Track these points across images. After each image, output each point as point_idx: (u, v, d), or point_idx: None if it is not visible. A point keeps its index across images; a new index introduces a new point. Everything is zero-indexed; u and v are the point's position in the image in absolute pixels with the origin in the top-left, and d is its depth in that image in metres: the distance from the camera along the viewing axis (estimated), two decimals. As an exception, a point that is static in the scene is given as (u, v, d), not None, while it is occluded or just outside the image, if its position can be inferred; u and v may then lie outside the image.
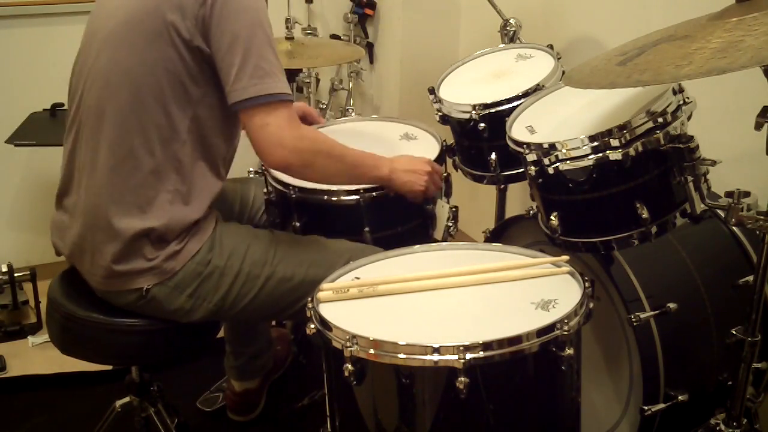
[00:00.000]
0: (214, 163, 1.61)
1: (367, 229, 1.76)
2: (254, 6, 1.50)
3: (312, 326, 1.33)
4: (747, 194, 1.35)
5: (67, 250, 1.66)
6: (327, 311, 1.34)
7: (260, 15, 1.51)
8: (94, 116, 1.56)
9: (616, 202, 1.49)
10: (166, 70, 1.50)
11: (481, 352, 1.19)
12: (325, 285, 1.43)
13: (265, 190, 1.89)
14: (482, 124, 1.88)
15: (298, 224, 1.79)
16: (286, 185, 1.78)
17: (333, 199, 1.75)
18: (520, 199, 2.44)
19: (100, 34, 1.57)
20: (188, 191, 1.57)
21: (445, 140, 1.94)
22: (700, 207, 1.48)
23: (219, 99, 1.54)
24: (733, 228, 1.71)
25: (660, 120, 1.43)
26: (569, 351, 1.23)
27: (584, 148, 1.47)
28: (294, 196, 1.76)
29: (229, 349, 2.17)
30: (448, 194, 1.91)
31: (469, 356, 1.18)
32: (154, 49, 1.49)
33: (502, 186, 2.26)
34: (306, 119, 2.02)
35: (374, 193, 1.74)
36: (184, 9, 1.48)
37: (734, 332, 1.43)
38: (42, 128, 2.69)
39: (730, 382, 1.48)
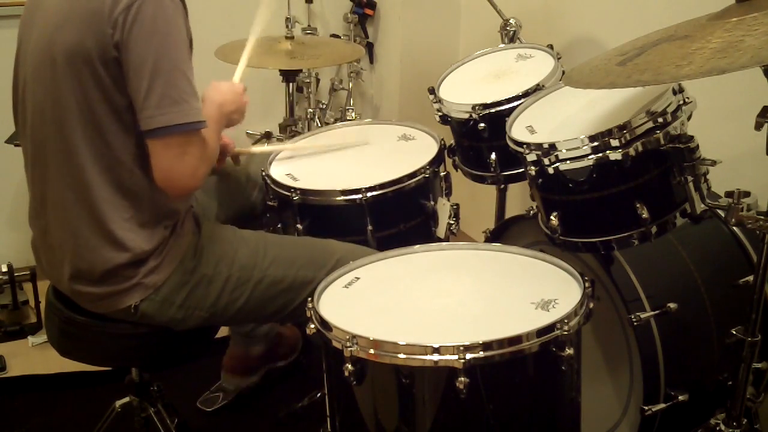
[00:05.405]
0: None
1: (370, 228, 1.76)
2: (164, 30, 1.41)
3: (312, 326, 1.33)
4: (747, 194, 1.35)
5: (46, 274, 1.65)
6: (327, 311, 1.34)
7: (170, 39, 1.42)
8: (38, 150, 1.54)
9: (616, 202, 1.49)
10: (89, 103, 1.44)
11: (481, 352, 1.19)
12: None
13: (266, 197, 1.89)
14: (482, 124, 1.88)
15: (300, 227, 1.79)
16: (287, 188, 1.78)
17: (335, 200, 1.75)
18: (520, 199, 2.44)
19: (28, 63, 1.50)
20: (149, 215, 1.53)
21: (443, 140, 1.94)
22: (700, 207, 1.48)
23: None
24: (733, 228, 1.71)
25: (660, 120, 1.43)
26: (569, 351, 1.23)
27: (584, 148, 1.47)
28: (296, 198, 1.76)
29: None
30: (448, 193, 1.91)
31: (469, 356, 1.18)
32: (80, 82, 1.43)
33: (502, 186, 2.26)
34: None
35: (376, 193, 1.73)
36: (102, 36, 1.39)
37: (734, 332, 1.43)
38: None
39: (730, 382, 1.48)
